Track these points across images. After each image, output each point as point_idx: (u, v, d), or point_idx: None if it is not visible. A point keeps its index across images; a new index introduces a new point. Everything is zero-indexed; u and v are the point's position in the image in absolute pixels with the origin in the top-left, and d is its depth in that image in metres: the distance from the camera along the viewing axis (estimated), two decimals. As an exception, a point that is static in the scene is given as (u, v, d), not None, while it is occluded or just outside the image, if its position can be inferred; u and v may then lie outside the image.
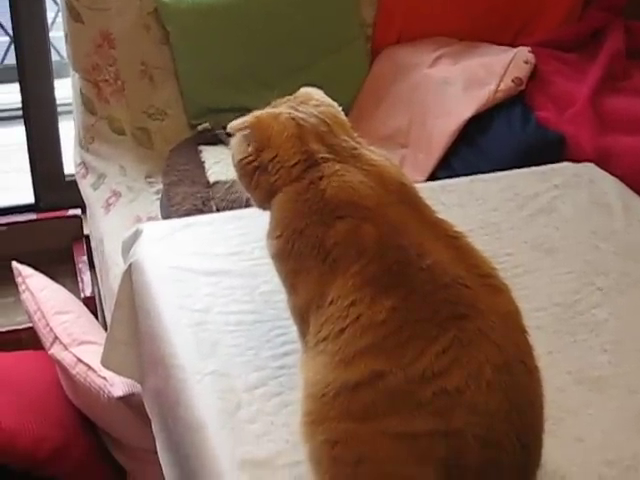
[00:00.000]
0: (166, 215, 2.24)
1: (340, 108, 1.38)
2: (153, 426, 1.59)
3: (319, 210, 1.23)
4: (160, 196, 2.36)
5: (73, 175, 2.63)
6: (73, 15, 2.49)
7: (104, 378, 1.92)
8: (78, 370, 1.96)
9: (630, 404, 1.39)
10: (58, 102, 2.75)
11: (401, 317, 1.13)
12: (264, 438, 1.30)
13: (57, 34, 2.80)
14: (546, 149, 2.28)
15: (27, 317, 2.19)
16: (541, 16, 2.78)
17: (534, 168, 2.05)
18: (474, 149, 2.35)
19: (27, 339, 2.32)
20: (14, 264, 2.24)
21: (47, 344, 2.05)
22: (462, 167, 2.28)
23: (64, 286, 2.32)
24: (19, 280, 2.21)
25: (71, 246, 2.73)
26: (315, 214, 1.23)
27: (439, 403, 1.09)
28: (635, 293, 1.64)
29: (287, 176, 1.28)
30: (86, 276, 2.59)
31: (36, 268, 2.26)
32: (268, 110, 1.34)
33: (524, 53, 2.53)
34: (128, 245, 1.75)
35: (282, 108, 1.34)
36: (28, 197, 2.85)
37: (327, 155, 1.27)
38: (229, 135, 1.39)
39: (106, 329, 1.83)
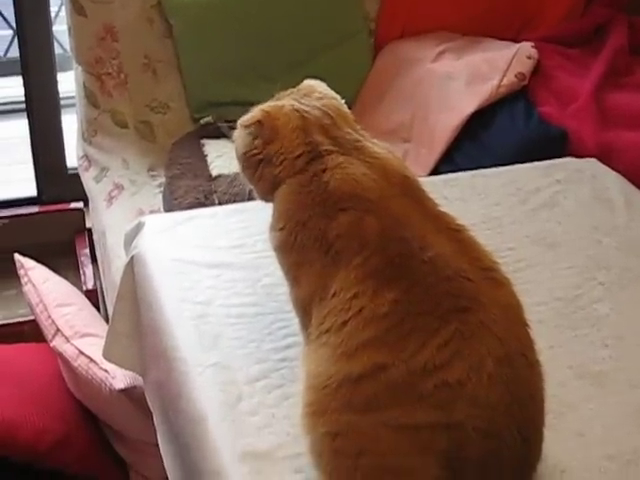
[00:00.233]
0: (168, 208, 2.24)
1: (343, 101, 1.38)
2: (154, 418, 1.59)
3: (322, 202, 1.23)
4: (162, 189, 2.37)
5: (76, 168, 2.63)
6: (76, 8, 2.49)
7: (106, 371, 1.92)
8: (80, 362, 1.96)
9: (631, 399, 1.39)
10: (61, 95, 2.75)
11: (403, 310, 1.13)
12: (265, 430, 1.30)
13: (60, 27, 2.79)
14: (548, 144, 2.28)
15: (29, 309, 2.19)
16: (544, 12, 2.78)
17: (536, 163, 2.05)
18: (477, 144, 2.35)
19: (29, 331, 2.33)
20: (16, 256, 2.24)
21: (49, 336, 2.05)
22: (465, 162, 2.28)
23: (66, 279, 2.32)
24: (21, 272, 2.21)
25: (73, 239, 2.73)
26: (318, 206, 1.23)
27: (440, 395, 1.09)
28: (637, 288, 1.64)
29: (291, 168, 1.28)
30: (88, 269, 2.59)
31: (38, 261, 2.26)
32: (272, 103, 1.34)
33: (527, 48, 2.53)
34: (130, 238, 1.75)
35: (285, 100, 1.34)
36: (31, 190, 2.85)
37: (331, 147, 1.28)
38: (232, 128, 1.39)
39: (108, 322, 1.83)
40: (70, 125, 2.72)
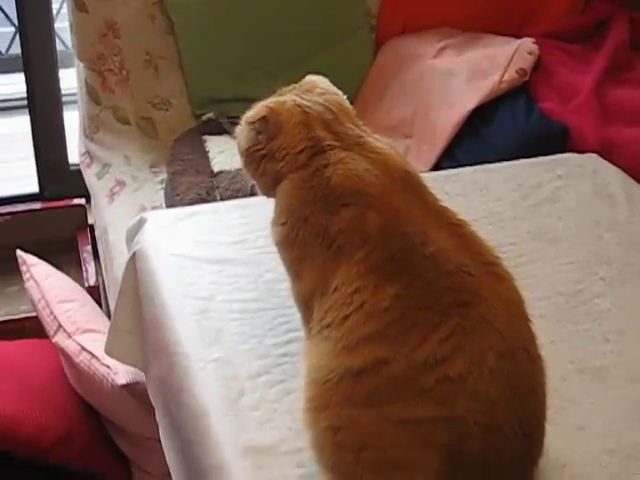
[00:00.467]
0: (170, 204, 2.25)
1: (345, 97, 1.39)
2: (156, 414, 1.59)
3: (324, 197, 1.23)
4: (164, 185, 2.37)
5: (77, 164, 2.63)
6: (78, 5, 2.50)
7: (108, 366, 1.92)
8: (82, 358, 1.96)
9: (632, 393, 1.39)
10: (63, 92, 2.75)
11: (404, 304, 1.13)
12: (267, 425, 1.30)
13: (62, 24, 2.80)
14: (550, 140, 2.28)
15: (31, 306, 2.19)
16: (545, 7, 2.77)
17: (538, 158, 2.05)
18: (478, 140, 2.35)
19: (31, 328, 2.33)
20: (18, 253, 2.24)
21: (51, 332, 2.06)
22: (466, 158, 2.28)
23: (68, 275, 2.32)
24: (23, 269, 2.21)
25: (75, 235, 2.73)
26: (320, 201, 1.23)
27: (441, 390, 1.09)
28: (638, 283, 1.64)
29: (293, 163, 1.28)
30: (90, 265, 2.59)
31: (40, 257, 2.26)
32: (274, 99, 1.35)
33: (528, 44, 2.52)
34: (132, 234, 1.75)
35: (288, 96, 1.34)
36: (32, 186, 2.85)
37: (333, 143, 1.28)
38: (234, 124, 1.39)
39: (110, 318, 1.84)
40: (72, 122, 2.72)
